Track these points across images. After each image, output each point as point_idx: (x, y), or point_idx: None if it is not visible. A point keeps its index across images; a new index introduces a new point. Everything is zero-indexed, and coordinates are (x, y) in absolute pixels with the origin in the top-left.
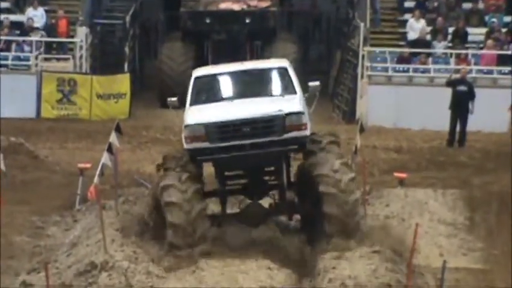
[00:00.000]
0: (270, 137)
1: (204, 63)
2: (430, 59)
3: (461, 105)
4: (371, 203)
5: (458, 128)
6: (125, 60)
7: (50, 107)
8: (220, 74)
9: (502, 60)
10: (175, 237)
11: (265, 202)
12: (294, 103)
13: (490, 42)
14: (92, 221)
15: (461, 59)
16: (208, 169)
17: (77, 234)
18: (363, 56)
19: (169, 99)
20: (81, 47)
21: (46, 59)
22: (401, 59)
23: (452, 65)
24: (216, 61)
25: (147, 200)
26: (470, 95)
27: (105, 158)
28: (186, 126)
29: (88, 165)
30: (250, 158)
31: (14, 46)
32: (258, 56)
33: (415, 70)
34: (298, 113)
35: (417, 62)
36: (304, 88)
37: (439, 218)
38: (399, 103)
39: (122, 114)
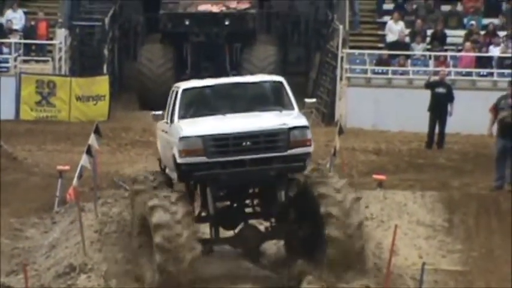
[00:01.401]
0: (273, 152)
1: (184, 65)
2: (409, 61)
3: (440, 107)
4: None
5: (437, 130)
6: (104, 62)
7: (29, 109)
8: (211, 86)
9: (481, 62)
10: (165, 262)
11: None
12: (298, 117)
13: (468, 44)
14: (70, 223)
15: (440, 61)
16: None
17: (55, 236)
18: (342, 58)
19: (152, 112)
20: (60, 49)
21: (25, 61)
22: (380, 61)
23: (431, 67)
24: (196, 63)
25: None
26: (449, 97)
27: (84, 160)
28: (182, 138)
29: (67, 167)
30: (250, 175)
31: None
32: (237, 58)
33: (394, 72)
34: (303, 128)
35: (396, 64)
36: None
37: (417, 219)
38: (378, 105)
39: (101, 116)
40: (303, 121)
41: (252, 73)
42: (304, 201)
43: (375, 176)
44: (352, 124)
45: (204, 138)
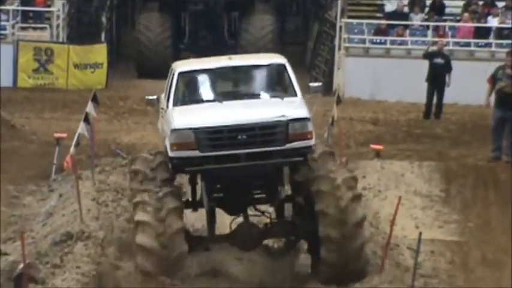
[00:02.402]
0: (270, 146)
1: (182, 34)
2: (407, 31)
3: (438, 78)
4: None
5: (434, 101)
6: (102, 30)
7: (27, 77)
8: (209, 70)
9: (479, 32)
10: (146, 262)
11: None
12: (298, 107)
13: (466, 15)
14: (67, 190)
15: (438, 31)
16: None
17: (52, 204)
18: (340, 28)
19: (147, 97)
20: (58, 17)
21: (23, 28)
22: (379, 31)
23: (429, 38)
24: (194, 32)
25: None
26: (447, 68)
27: (81, 127)
28: (173, 130)
29: (64, 135)
30: (246, 170)
31: None
32: (235, 27)
33: (392, 42)
34: (304, 119)
35: (394, 34)
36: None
37: (414, 190)
38: (376, 75)
39: (98, 84)
40: (303, 112)
41: (249, 42)
42: (304, 197)
43: (373, 146)
44: (350, 94)
45: (196, 131)
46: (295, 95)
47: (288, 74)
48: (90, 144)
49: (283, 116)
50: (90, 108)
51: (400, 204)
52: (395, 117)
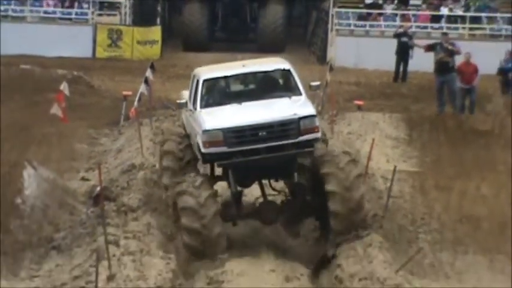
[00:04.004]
0: (285, 140)
1: (215, 19)
2: (382, 18)
3: (404, 52)
4: (337, 123)
5: (401, 69)
6: (157, 16)
7: (102, 50)
8: (229, 76)
9: (435, 18)
10: (191, 240)
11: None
12: (306, 106)
13: (425, 5)
14: (132, 133)
15: (404, 17)
16: None
17: (121, 143)
18: (333, 15)
19: (178, 101)
20: (125, 6)
21: (99, 15)
22: (361, 17)
23: (398, 22)
24: (224, 18)
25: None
26: (410, 44)
27: (142, 87)
28: (205, 131)
29: (130, 93)
30: (266, 161)
31: (76, 4)
32: (255, 15)
33: (371, 26)
34: (312, 116)
35: (372, 19)
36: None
37: (386, 134)
38: (358, 50)
39: (155, 55)
40: (311, 110)
41: (266, 26)
42: (315, 178)
43: (355, 102)
44: (339, 64)
45: (224, 130)
46: (300, 94)
47: (293, 77)
48: (149, 99)
49: (295, 114)
50: (148, 73)
51: (374, 144)
52: (372, 80)
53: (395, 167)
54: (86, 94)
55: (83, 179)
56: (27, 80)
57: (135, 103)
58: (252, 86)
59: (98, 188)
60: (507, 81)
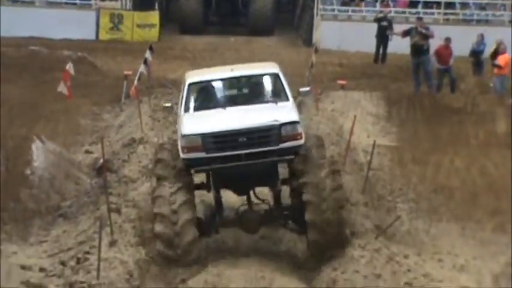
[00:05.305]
0: (265, 146)
1: (210, 4)
2: (363, 3)
3: (383, 35)
4: (322, 101)
5: (381, 51)
6: (155, 1)
7: (105, 33)
8: (214, 80)
9: (412, 4)
10: (163, 247)
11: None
12: (289, 112)
13: None
14: (132, 110)
15: (384, 3)
16: None
17: (122, 119)
18: (318, 1)
19: (164, 104)
20: None
21: (102, 0)
22: (344, 3)
23: (378, 7)
24: (218, 3)
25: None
26: (390, 28)
27: (142, 67)
28: (183, 136)
29: (130, 73)
30: (246, 167)
31: None
32: (246, 1)
33: (353, 11)
34: (294, 123)
35: (354, 5)
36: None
37: (367, 111)
38: (342, 33)
39: (153, 38)
40: (294, 116)
41: (256, 10)
42: (296, 188)
43: (339, 82)
44: (324, 46)
45: (203, 136)
46: (287, 99)
47: (281, 81)
48: (148, 79)
49: (276, 120)
50: (147, 54)
51: (356, 120)
52: (354, 62)
53: (375, 141)
54: (89, 73)
55: (87, 152)
56: (36, 60)
57: (135, 82)
58: (238, 91)
59: (101, 160)
60: (478, 63)
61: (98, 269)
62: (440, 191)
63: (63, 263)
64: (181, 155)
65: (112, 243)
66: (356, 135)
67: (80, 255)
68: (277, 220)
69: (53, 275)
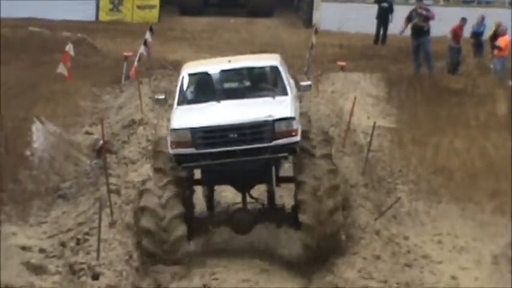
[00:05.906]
0: (258, 143)
1: None
2: None
3: (384, 17)
4: (322, 83)
5: (381, 32)
6: None
7: (105, 14)
8: (212, 72)
9: None
10: (147, 242)
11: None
12: (285, 107)
13: None
14: (132, 91)
15: None
16: None
17: (122, 101)
18: None
19: (156, 96)
20: None
21: None
22: None
23: None
24: None
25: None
26: (390, 10)
27: (142, 49)
28: (172, 130)
29: (130, 54)
30: (237, 165)
31: None
32: None
33: None
34: (289, 119)
35: None
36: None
37: (367, 92)
38: (342, 14)
39: (153, 19)
40: (289, 112)
41: None
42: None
43: (339, 63)
44: (324, 27)
45: (192, 130)
46: (286, 94)
47: (281, 75)
48: (148, 60)
49: (270, 116)
50: (147, 36)
51: (356, 102)
52: (354, 43)
53: (374, 123)
54: (89, 55)
55: (87, 133)
56: (35, 41)
57: (135, 63)
58: (234, 84)
59: (101, 142)
60: (479, 44)
61: (98, 250)
62: (440, 173)
63: (63, 244)
64: (170, 151)
65: (112, 224)
66: (356, 116)
67: (79, 236)
68: (270, 220)
69: (53, 256)
